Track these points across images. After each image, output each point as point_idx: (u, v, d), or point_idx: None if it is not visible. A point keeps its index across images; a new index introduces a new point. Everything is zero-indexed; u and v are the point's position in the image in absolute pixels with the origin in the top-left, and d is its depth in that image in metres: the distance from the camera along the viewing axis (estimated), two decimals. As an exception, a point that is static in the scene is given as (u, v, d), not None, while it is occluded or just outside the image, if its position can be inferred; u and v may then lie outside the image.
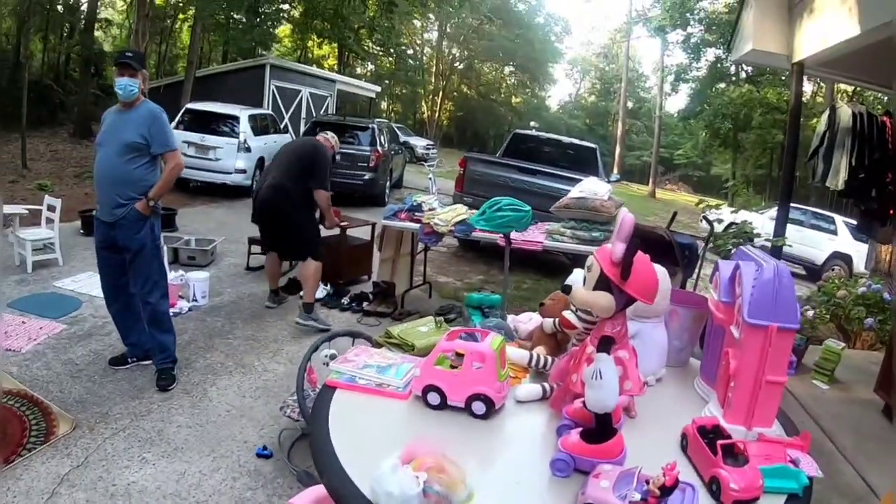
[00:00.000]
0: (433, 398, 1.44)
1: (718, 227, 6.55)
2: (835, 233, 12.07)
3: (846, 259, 11.52)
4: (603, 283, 1.20)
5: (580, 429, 1.28)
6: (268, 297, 5.38)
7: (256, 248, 6.05)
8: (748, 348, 1.48)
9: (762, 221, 9.67)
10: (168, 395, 3.59)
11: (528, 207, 3.46)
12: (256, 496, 2.76)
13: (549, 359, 1.69)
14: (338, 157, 5.58)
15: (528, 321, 2.05)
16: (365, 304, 5.51)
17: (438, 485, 1.00)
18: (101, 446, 2.99)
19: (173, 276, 5.29)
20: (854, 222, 10.97)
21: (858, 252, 11.27)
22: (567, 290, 1.24)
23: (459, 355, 1.45)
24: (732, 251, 5.86)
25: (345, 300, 5.60)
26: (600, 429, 1.23)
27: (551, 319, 1.76)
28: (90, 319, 4.55)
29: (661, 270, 1.62)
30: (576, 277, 1.91)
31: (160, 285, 3.69)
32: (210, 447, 3.10)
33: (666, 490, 1.06)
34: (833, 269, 11.05)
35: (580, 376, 1.24)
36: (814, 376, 4.65)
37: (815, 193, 17.12)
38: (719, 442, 1.28)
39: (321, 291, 5.65)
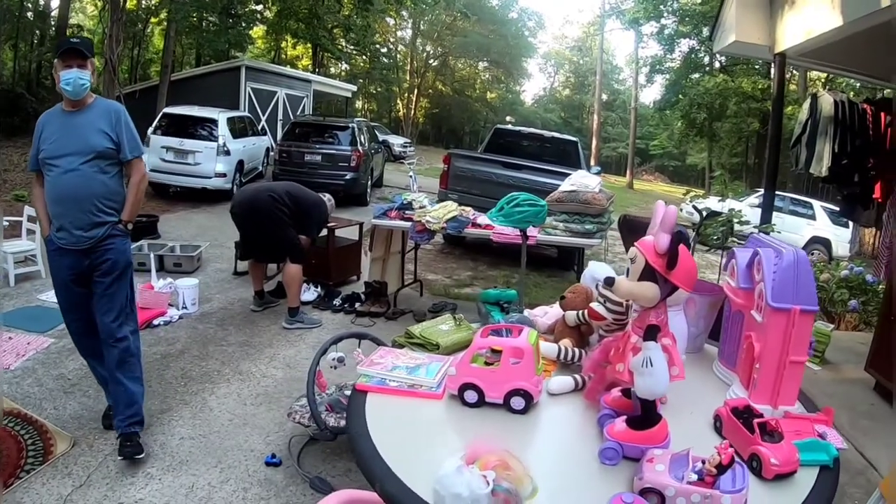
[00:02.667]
0: (470, 396, 1.43)
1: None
2: (813, 218, 12.28)
3: (825, 243, 11.73)
4: (648, 274, 1.21)
5: (624, 417, 1.30)
6: (253, 300, 5.34)
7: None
8: (772, 331, 1.52)
9: (742, 209, 9.78)
10: (167, 406, 3.51)
11: (544, 202, 3.45)
12: (269, 505, 2.71)
13: (577, 351, 1.68)
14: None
15: (543, 315, 2.04)
16: (357, 304, 5.47)
17: (506, 482, 0.99)
18: (102, 463, 2.90)
19: (161, 283, 5.22)
20: (833, 207, 11.19)
21: (837, 236, 11.51)
22: (610, 282, 1.24)
23: (496, 352, 1.44)
24: (717, 239, 5.94)
25: (336, 301, 5.56)
26: (646, 415, 1.26)
27: (574, 312, 1.76)
28: (80, 331, 4.45)
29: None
30: (594, 270, 1.91)
31: (132, 317, 3.08)
32: (216, 458, 3.04)
33: (722, 468, 1.10)
34: (813, 254, 11.24)
35: (627, 366, 1.24)
36: (806, 359, 4.75)
37: (791, 179, 17.38)
38: (756, 420, 1.33)
39: (312, 293, 5.63)
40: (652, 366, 1.19)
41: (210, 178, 10.15)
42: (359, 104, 36.60)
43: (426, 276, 6.96)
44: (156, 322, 4.74)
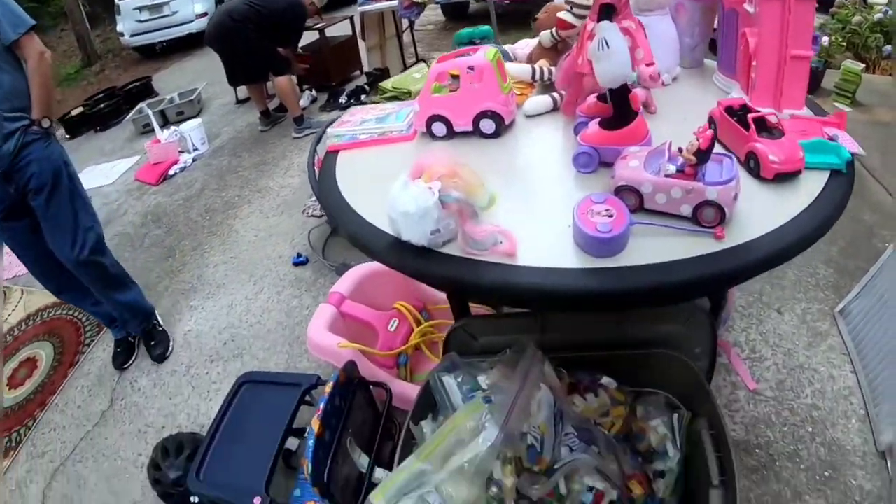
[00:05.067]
0: (438, 129, 1.36)
1: None
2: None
3: (860, -17, 10.62)
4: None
5: (598, 119, 1.18)
6: (259, 121, 5.28)
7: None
8: (766, 21, 1.34)
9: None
10: (197, 242, 3.61)
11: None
12: (303, 301, 2.85)
13: (553, 69, 1.56)
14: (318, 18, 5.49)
15: (525, 46, 1.92)
16: (363, 96, 5.31)
17: (455, 191, 0.92)
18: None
19: (167, 134, 5.16)
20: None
21: (873, -25, 10.33)
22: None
23: (455, 77, 1.34)
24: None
25: (342, 99, 5.41)
26: (619, 111, 1.13)
27: (548, 31, 1.62)
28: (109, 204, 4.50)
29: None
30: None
31: (95, 231, 2.51)
32: (248, 273, 3.17)
33: (702, 154, 0.97)
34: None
35: (585, 56, 1.12)
36: (835, 99, 4.49)
37: None
38: (751, 115, 1.17)
39: (306, 98, 5.54)
40: (608, 47, 1.03)
41: (192, 21, 9.67)
42: None
43: (431, 54, 6.67)
44: (171, 172, 4.78)
